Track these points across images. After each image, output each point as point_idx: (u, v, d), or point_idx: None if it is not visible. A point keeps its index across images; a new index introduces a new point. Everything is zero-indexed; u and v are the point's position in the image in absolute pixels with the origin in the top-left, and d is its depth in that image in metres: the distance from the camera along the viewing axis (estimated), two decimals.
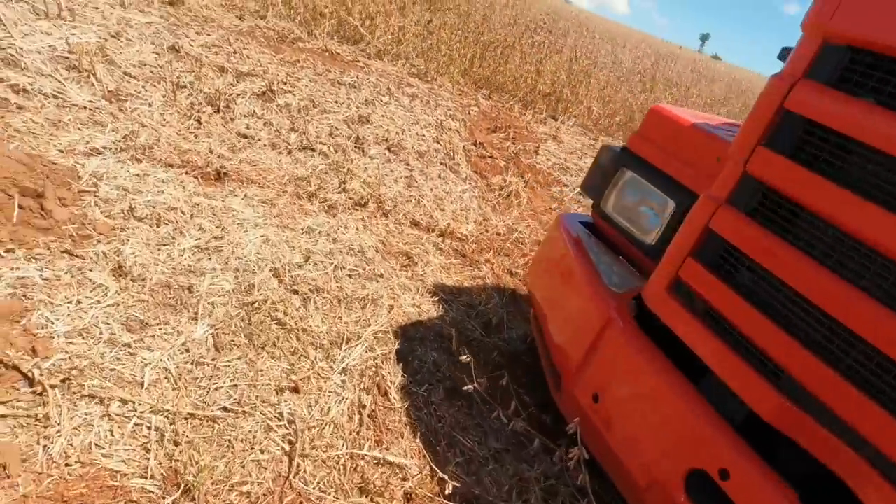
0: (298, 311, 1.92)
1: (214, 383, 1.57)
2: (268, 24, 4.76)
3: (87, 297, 1.66)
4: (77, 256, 1.80)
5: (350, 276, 2.28)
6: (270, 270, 2.07)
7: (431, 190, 3.60)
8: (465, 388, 1.69)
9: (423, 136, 4.18)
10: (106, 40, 3.39)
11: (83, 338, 1.54)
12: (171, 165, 2.68)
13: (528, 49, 6.91)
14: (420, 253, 2.79)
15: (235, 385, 1.59)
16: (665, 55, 13.66)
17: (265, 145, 3.28)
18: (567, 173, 4.88)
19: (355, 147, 3.64)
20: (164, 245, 2.00)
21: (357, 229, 2.81)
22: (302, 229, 2.54)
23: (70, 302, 1.62)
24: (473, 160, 4.35)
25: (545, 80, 6.62)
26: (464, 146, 4.41)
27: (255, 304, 1.87)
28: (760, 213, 1.31)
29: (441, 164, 4.00)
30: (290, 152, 3.33)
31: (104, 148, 2.54)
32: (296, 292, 2.02)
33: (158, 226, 2.09)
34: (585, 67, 7.14)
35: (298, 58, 4.35)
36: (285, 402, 1.60)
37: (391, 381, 1.82)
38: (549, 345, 1.96)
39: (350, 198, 3.07)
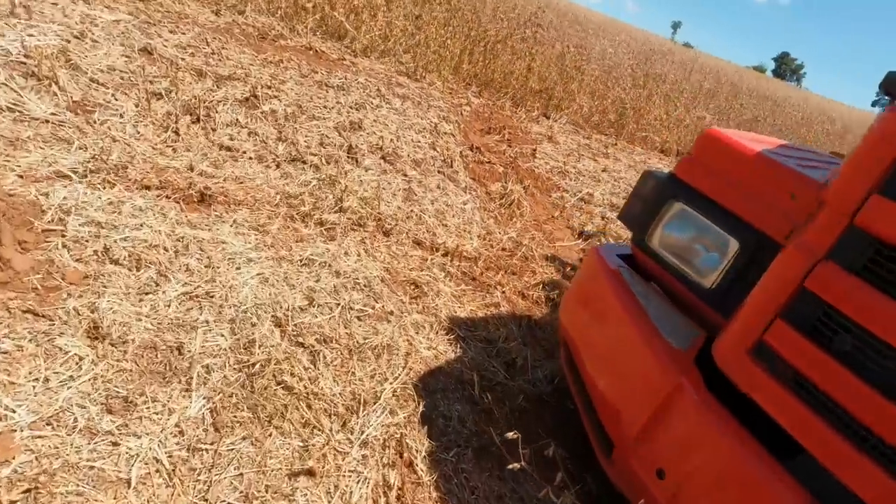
0: (307, 371, 1.67)
1: (216, 474, 1.32)
2: (247, 19, 4.41)
3: (56, 373, 1.38)
4: (43, 317, 1.51)
5: (359, 317, 2.04)
6: (272, 319, 1.82)
7: (432, 203, 3.36)
8: (510, 466, 1.47)
9: (419, 142, 3.92)
10: (68, 42, 3.03)
11: (53, 428, 1.27)
12: (148, 188, 2.37)
13: (518, 45, 6.67)
14: (429, 280, 2.56)
15: (241, 473, 1.34)
16: (655, 49, 13.56)
17: (251, 158, 2.98)
18: (566, 177, 4.68)
19: (349, 157, 3.37)
20: (147, 294, 1.73)
21: (359, 255, 2.56)
22: (300, 261, 2.27)
23: (36, 380, 1.35)
24: (471, 167, 4.11)
25: (535, 77, 6.39)
26: (460, 151, 4.17)
27: (258, 366, 1.61)
28: (872, 273, 1.11)
29: (439, 172, 3.75)
30: (278, 165, 3.04)
31: (71, 171, 2.23)
32: (302, 345, 1.77)
33: (139, 269, 1.81)
34: (578, 63, 6.94)
35: (282, 57, 4.02)
36: (301, 489, 1.36)
37: (416, 450, 1.60)
38: (595, 402, 1.75)
39: (348, 217, 2.81)
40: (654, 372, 1.48)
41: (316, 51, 4.47)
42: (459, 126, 4.65)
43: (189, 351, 1.59)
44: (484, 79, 6.22)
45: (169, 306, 1.71)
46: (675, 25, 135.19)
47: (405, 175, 3.49)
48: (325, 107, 3.68)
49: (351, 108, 3.83)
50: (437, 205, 3.37)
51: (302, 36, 4.56)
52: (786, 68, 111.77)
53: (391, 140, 3.72)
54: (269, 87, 3.51)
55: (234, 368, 1.60)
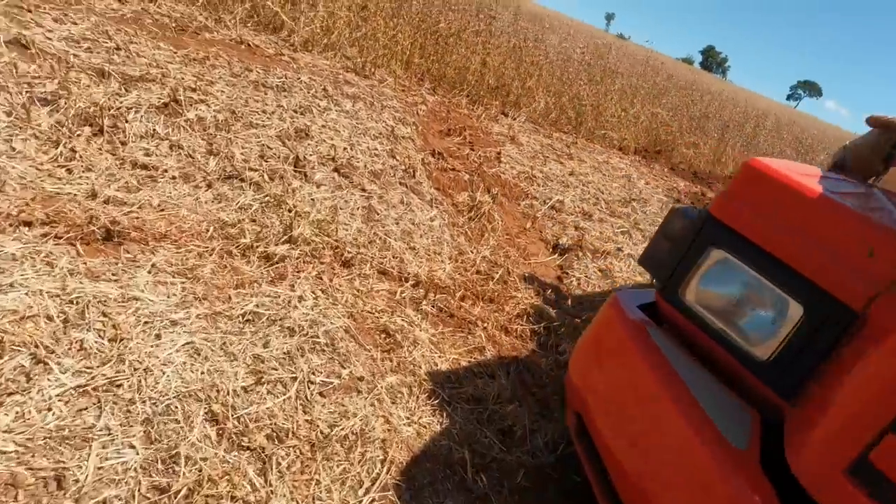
0: (255, 491, 1.24)
1: None
2: (160, 8, 3.78)
3: None
4: None
5: (322, 393, 1.61)
6: (205, 414, 1.36)
7: (396, 222, 2.94)
8: None
9: (376, 149, 3.48)
10: None
11: None
12: (28, 224, 1.83)
13: (472, 38, 6.30)
14: (402, 326, 2.15)
15: None
16: (603, 43, 13.54)
17: (174, 178, 2.46)
18: (534, 183, 4.38)
19: (296, 172, 2.89)
20: (12, 395, 1.24)
21: (316, 298, 2.12)
22: (242, 317, 1.81)
23: None
24: (435, 175, 3.72)
25: (491, 73, 6.05)
26: (422, 158, 3.76)
27: (182, 493, 1.17)
28: None
29: (401, 184, 3.33)
30: (210, 186, 2.53)
31: None
32: (247, 448, 1.34)
33: (3, 356, 1.31)
34: (535, 59, 6.65)
35: (208, 53, 3.45)
36: None
37: None
38: (617, 482, 1.43)
39: (300, 249, 2.36)
40: (709, 476, 1.17)
41: (248, 45, 3.90)
42: (417, 128, 4.23)
43: (76, 481, 1.12)
44: (437, 74, 5.82)
45: (48, 411, 1.23)
46: (609, 17, 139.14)
47: (363, 190, 3.05)
48: (264, 112, 3.17)
49: (295, 112, 3.33)
50: (402, 224, 2.96)
51: (230, 28, 3.98)
52: (712, 61, 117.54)
53: (345, 149, 3.26)
54: (195, 90, 2.96)
55: (148, 500, 1.15)
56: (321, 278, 2.28)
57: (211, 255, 2.10)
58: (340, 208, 2.80)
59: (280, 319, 1.84)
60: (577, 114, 6.46)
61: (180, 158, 2.57)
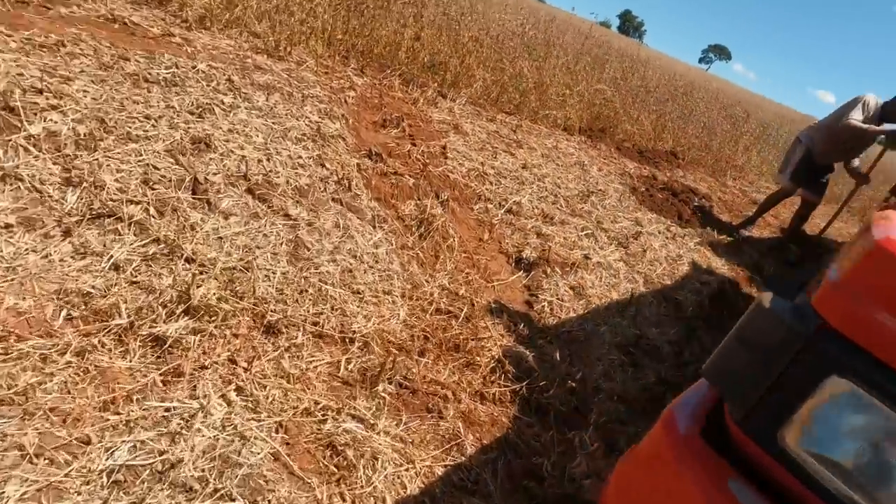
0: None
1: None
2: None
3: None
4: None
5: None
6: None
7: (332, 257, 2.34)
8: None
9: (300, 157, 2.81)
10: None
11: None
12: None
13: (403, 9, 5.59)
14: (354, 434, 1.60)
15: None
16: (548, 14, 13.02)
17: (9, 227, 1.73)
18: (486, 182, 3.87)
19: (195, 200, 2.20)
20: None
21: (229, 405, 1.52)
22: (107, 475, 1.19)
23: None
24: (375, 183, 3.11)
25: (426, 49, 5.41)
26: (357, 163, 3.13)
27: None
28: None
29: (335, 200, 2.71)
30: (67, 233, 1.82)
31: None
32: None
33: None
34: (474, 34, 6.04)
35: (63, 36, 2.60)
36: None
37: None
38: None
39: (204, 323, 1.72)
40: None
41: (124, 23, 3.04)
42: (348, 121, 3.57)
43: None
44: (363, 50, 5.10)
45: None
46: None
47: (288, 216, 2.41)
48: (147, 117, 2.41)
49: (191, 114, 2.59)
50: (340, 258, 2.36)
51: (97, 1, 3.08)
52: (629, 25, 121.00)
53: (260, 161, 2.58)
54: (42, 91, 2.17)
55: None
56: (235, 364, 1.67)
57: (63, 354, 1.44)
58: (258, 247, 2.16)
59: (171, 468, 1.24)
60: (521, 93, 5.97)
61: (19, 196, 1.83)
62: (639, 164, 6.64)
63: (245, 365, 1.69)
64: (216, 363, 1.64)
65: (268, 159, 2.62)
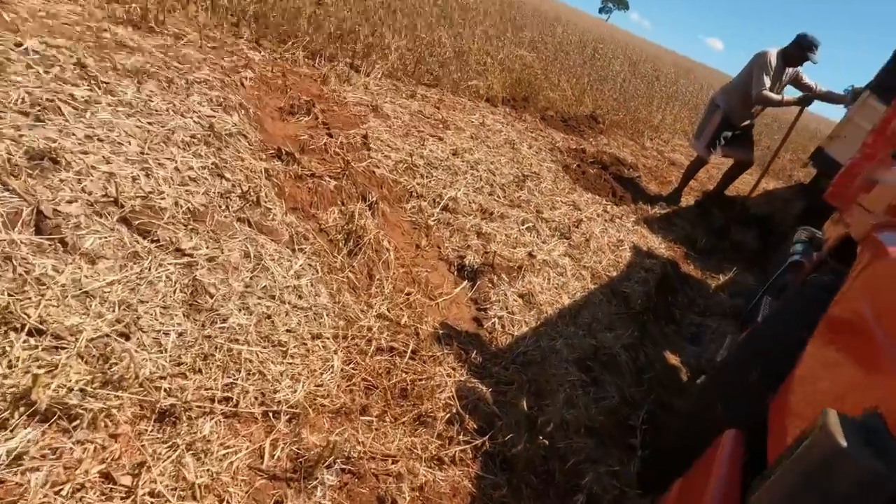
0: None
1: None
2: None
3: None
4: None
5: None
6: None
7: (243, 302, 1.92)
8: None
9: (191, 168, 2.31)
10: None
11: None
12: None
13: None
14: None
15: None
16: None
17: None
18: (416, 175, 3.52)
19: (40, 242, 1.68)
20: None
21: None
22: None
23: None
24: (289, 191, 2.67)
25: (331, 16, 4.85)
26: (265, 167, 2.66)
27: None
28: None
29: (241, 221, 2.26)
30: None
31: None
32: None
33: None
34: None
35: None
36: None
37: None
38: None
39: (52, 432, 1.29)
40: None
41: None
42: (248, 112, 3.05)
43: None
44: (256, 16, 4.46)
45: None
46: None
47: (180, 252, 1.94)
48: None
49: (23, 115, 1.99)
50: (254, 301, 1.95)
51: None
52: None
53: (135, 178, 2.06)
54: None
55: None
56: (112, 483, 1.27)
57: None
58: (142, 301, 1.71)
59: None
60: (440, 63, 5.59)
61: None
62: (565, 135, 6.56)
63: (128, 482, 1.29)
64: (80, 486, 1.23)
65: (147, 175, 2.11)
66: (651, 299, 3.43)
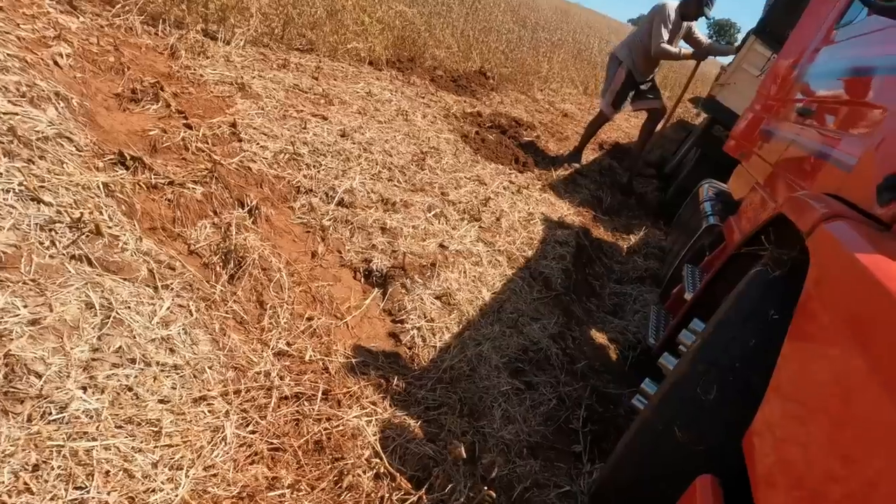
0: None
1: None
2: None
3: None
4: None
5: None
6: None
7: (90, 377, 1.52)
8: None
9: None
10: None
11: None
12: None
13: None
14: None
15: None
16: None
17: None
18: (301, 166, 3.12)
19: None
20: None
21: None
22: None
23: None
24: (141, 208, 2.20)
25: None
26: (104, 182, 2.16)
27: None
28: None
29: (75, 260, 1.79)
30: None
31: None
32: None
33: None
34: None
35: None
36: None
37: None
38: None
39: None
40: None
41: None
42: (70, 103, 2.47)
43: None
44: None
45: None
46: None
47: None
48: None
49: None
50: (103, 374, 1.55)
51: None
52: None
53: None
54: None
55: None
56: None
57: None
58: None
59: None
60: (312, 24, 5.07)
61: None
62: (458, 97, 6.36)
63: None
64: None
65: None
66: (570, 276, 3.39)
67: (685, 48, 5.17)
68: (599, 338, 3.07)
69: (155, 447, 1.46)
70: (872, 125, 1.58)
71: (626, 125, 9.90)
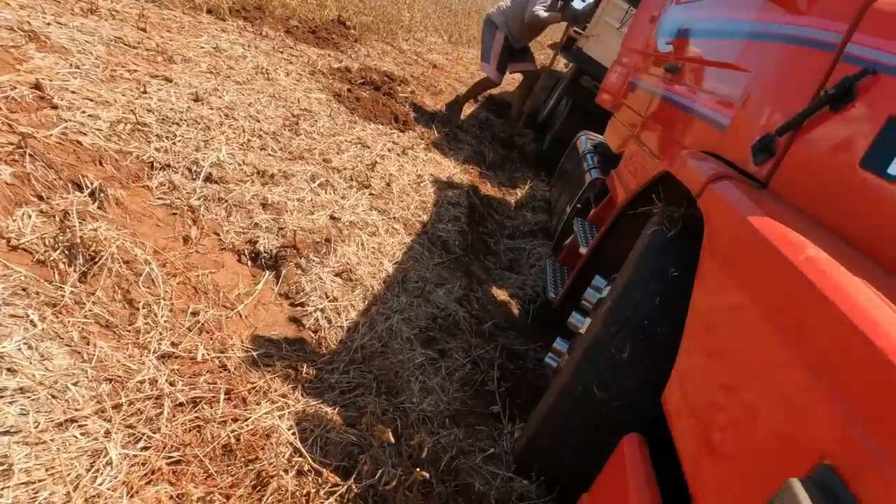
0: None
1: None
2: None
3: None
4: None
5: None
6: None
7: None
8: None
9: None
10: None
11: None
12: None
13: None
14: None
15: None
16: None
17: None
18: (150, 138, 2.80)
19: None
20: None
21: None
22: None
23: None
24: None
25: None
26: None
27: None
28: None
29: None
30: None
31: None
32: None
33: None
34: None
35: None
36: None
37: None
38: None
39: None
40: None
41: None
42: None
43: None
44: None
45: None
46: None
47: None
48: None
49: None
50: None
51: None
52: None
53: None
54: None
55: None
56: None
57: None
58: None
59: None
60: None
61: None
62: (320, 50, 6.10)
63: None
64: None
65: None
66: (467, 237, 3.46)
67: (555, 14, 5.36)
68: (500, 295, 3.19)
69: (2, 489, 1.28)
70: (741, 87, 1.74)
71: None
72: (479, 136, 5.67)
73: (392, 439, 1.71)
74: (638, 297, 1.53)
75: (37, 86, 2.64)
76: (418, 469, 1.68)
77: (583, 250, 2.58)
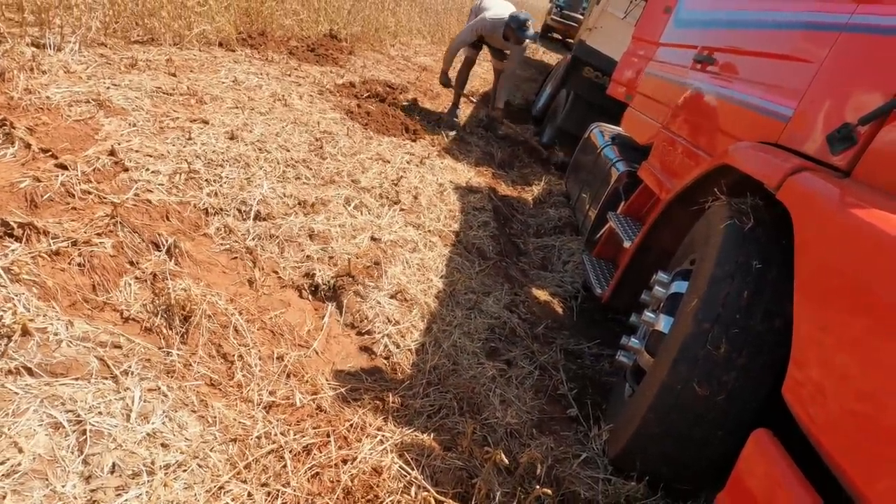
0: None
1: None
2: None
3: None
4: None
5: None
6: None
7: None
8: None
9: None
10: None
11: None
12: None
13: None
14: None
15: None
16: None
17: None
18: (200, 184, 2.79)
19: None
20: None
21: None
22: None
23: None
24: (52, 284, 1.85)
25: None
26: (5, 267, 1.77)
27: None
28: None
29: (11, 375, 1.48)
30: None
31: None
32: None
33: None
34: None
35: None
36: None
37: None
38: None
39: None
40: None
41: None
42: None
43: None
44: None
45: None
46: None
47: None
48: None
49: None
50: (107, 498, 1.34)
51: None
52: None
53: None
54: None
55: None
56: None
57: None
58: None
59: None
60: (148, 12, 4.43)
61: None
62: (321, 67, 6.04)
63: None
64: None
65: None
66: (499, 241, 3.49)
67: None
68: (542, 295, 3.23)
69: None
70: (805, 77, 1.72)
71: (487, 74, 10.08)
72: (484, 135, 5.66)
73: (506, 461, 1.75)
74: (726, 292, 1.55)
75: (111, 152, 2.62)
76: (538, 486, 1.71)
77: (627, 244, 2.59)
